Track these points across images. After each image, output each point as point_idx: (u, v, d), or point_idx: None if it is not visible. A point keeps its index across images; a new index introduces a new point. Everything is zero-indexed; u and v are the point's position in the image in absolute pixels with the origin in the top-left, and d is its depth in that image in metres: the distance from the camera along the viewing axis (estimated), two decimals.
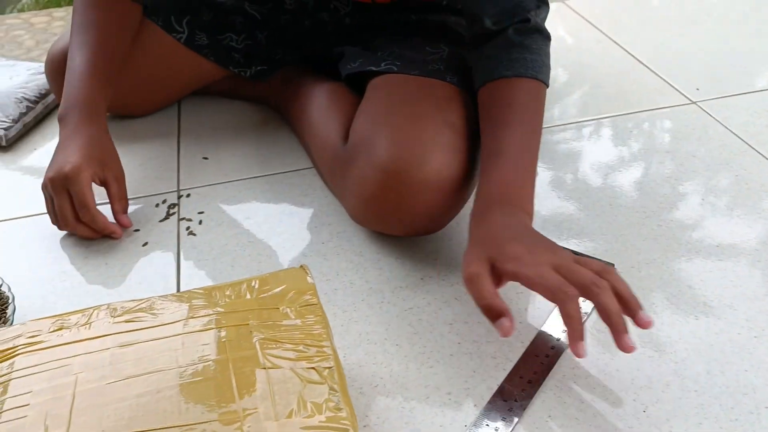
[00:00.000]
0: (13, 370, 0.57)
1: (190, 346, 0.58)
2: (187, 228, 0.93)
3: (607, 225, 0.89)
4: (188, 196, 0.99)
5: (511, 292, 0.78)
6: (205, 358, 0.57)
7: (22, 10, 2.18)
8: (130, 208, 0.96)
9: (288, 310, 0.61)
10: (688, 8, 1.45)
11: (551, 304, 0.76)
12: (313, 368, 0.56)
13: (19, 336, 0.61)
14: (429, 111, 0.83)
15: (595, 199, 0.93)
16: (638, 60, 1.26)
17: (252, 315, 0.61)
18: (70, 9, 1.93)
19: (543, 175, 0.98)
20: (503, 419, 0.66)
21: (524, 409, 0.67)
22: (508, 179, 0.76)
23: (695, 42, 1.32)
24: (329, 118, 0.97)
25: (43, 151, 1.13)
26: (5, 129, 1.13)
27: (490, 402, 0.68)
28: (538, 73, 0.82)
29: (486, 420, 0.66)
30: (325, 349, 0.58)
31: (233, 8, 1.09)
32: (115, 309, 0.63)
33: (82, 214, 0.87)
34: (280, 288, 0.64)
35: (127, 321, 0.61)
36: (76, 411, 0.53)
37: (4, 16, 1.95)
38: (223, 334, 0.59)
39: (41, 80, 1.21)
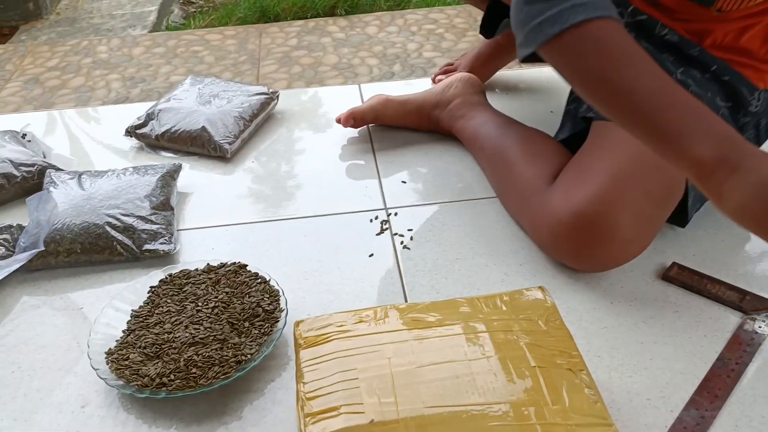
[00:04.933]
0: (336, 350, 0.75)
1: (472, 343, 0.75)
2: (402, 243, 1.10)
3: None
4: (396, 214, 1.17)
5: (688, 320, 0.93)
6: (486, 354, 0.74)
7: (170, 28, 2.37)
8: (349, 219, 1.14)
9: (540, 322, 0.78)
10: None
11: (729, 332, 0.92)
12: (569, 369, 0.72)
13: (329, 325, 0.79)
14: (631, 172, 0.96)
15: None
16: None
17: (513, 323, 0.77)
18: (239, 29, 2.12)
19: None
20: (697, 425, 0.81)
21: (714, 419, 0.82)
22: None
23: None
24: (531, 164, 1.11)
25: (258, 163, 1.32)
26: (229, 143, 1.33)
27: (684, 409, 0.83)
28: None
29: (683, 425, 0.81)
30: (574, 355, 0.74)
31: None
32: (402, 309, 0.80)
33: None
34: (527, 303, 0.81)
35: (413, 320, 0.79)
36: (397, 386, 0.71)
37: (180, 32, 2.18)
38: (495, 335, 0.76)
39: (253, 101, 1.41)
